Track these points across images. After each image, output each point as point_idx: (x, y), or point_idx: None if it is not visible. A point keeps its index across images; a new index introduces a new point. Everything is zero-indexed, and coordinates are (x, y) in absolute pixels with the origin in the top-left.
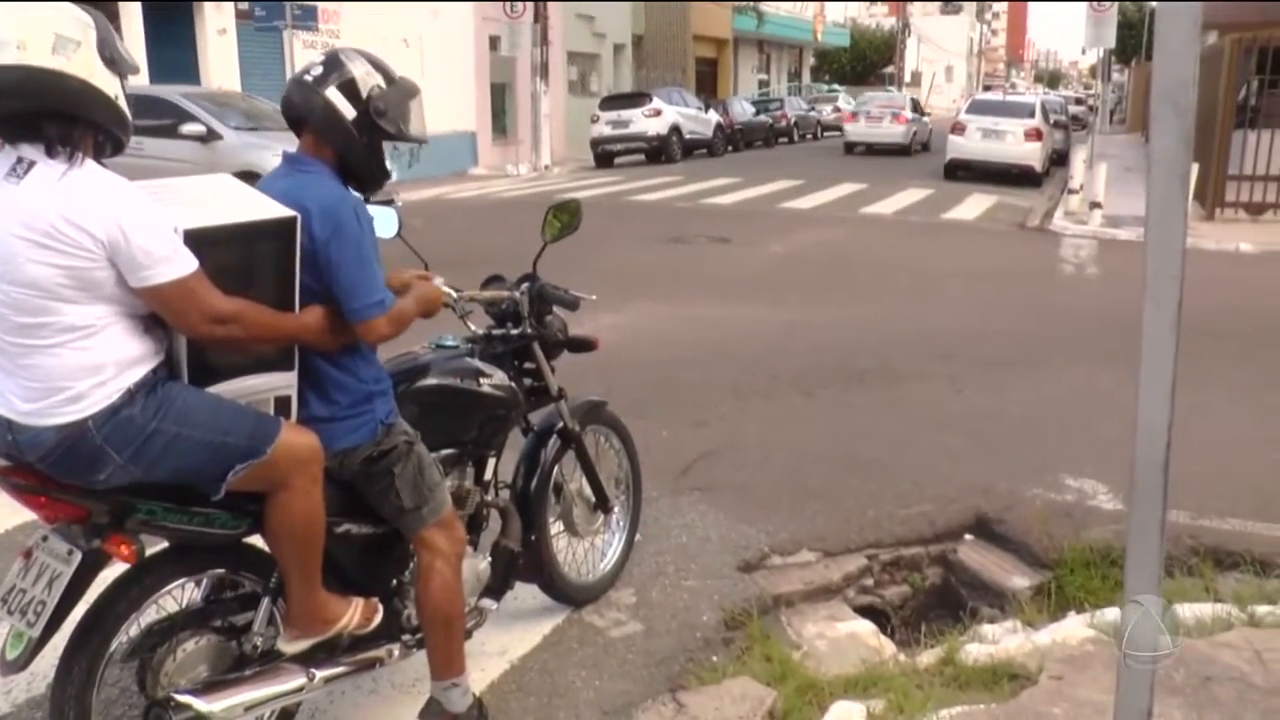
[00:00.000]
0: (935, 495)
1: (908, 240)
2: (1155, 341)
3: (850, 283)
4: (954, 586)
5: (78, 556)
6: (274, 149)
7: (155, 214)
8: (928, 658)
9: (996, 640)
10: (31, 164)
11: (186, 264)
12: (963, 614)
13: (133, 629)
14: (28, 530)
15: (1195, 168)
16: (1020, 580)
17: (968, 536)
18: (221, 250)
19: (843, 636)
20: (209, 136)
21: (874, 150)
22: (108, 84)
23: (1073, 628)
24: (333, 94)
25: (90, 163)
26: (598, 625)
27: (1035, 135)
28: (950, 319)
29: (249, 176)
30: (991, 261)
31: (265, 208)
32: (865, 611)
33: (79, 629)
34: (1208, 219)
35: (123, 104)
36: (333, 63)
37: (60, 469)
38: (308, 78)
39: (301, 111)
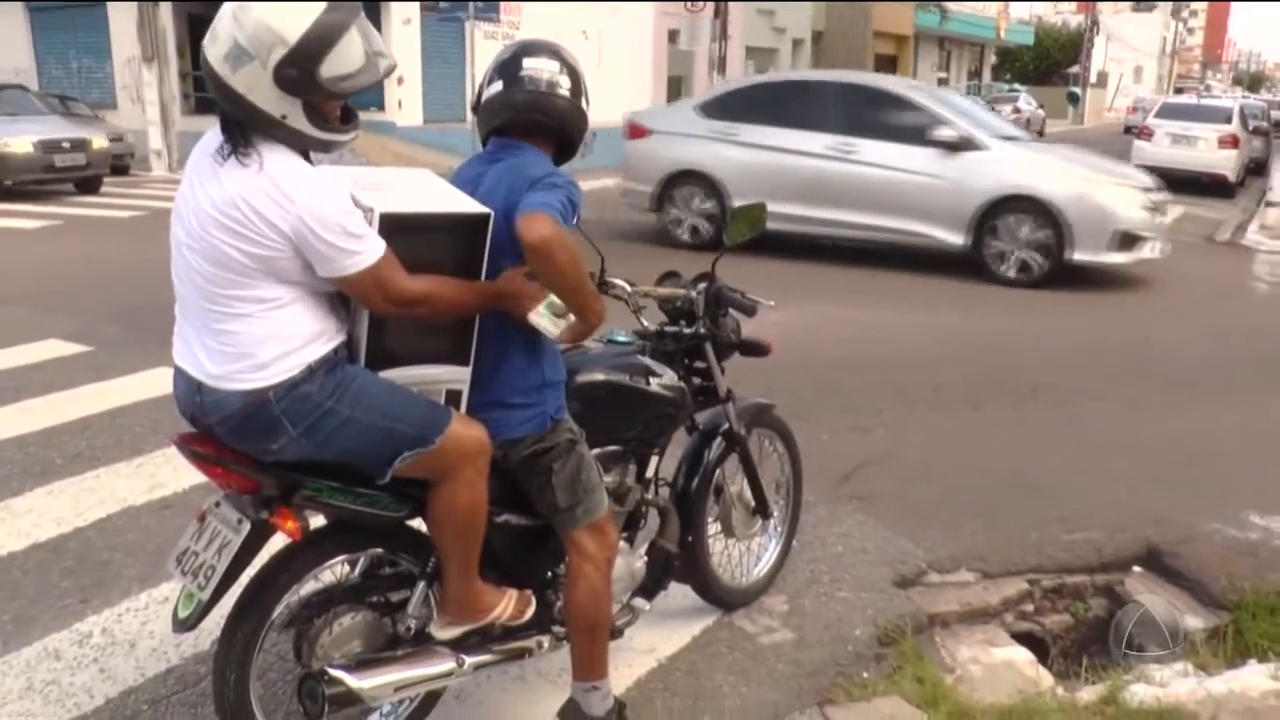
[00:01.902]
0: (1104, 522)
1: None
2: None
3: (1022, 292)
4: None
5: (246, 526)
6: (1055, 165)
7: (343, 207)
8: (1088, 694)
9: (1165, 683)
10: (235, 149)
11: (373, 253)
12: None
13: (293, 599)
14: (203, 491)
15: None
16: (1194, 620)
17: (1137, 569)
18: (413, 238)
19: (998, 663)
20: (961, 145)
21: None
22: (271, 102)
23: (1253, 678)
24: (583, 104)
25: (286, 156)
26: (748, 630)
27: (1230, 142)
28: (1130, 335)
29: (1023, 200)
30: (1177, 276)
31: (461, 203)
32: (1023, 639)
33: (243, 595)
34: None
35: (297, 124)
36: (576, 70)
37: (237, 436)
38: (563, 91)
39: (557, 124)
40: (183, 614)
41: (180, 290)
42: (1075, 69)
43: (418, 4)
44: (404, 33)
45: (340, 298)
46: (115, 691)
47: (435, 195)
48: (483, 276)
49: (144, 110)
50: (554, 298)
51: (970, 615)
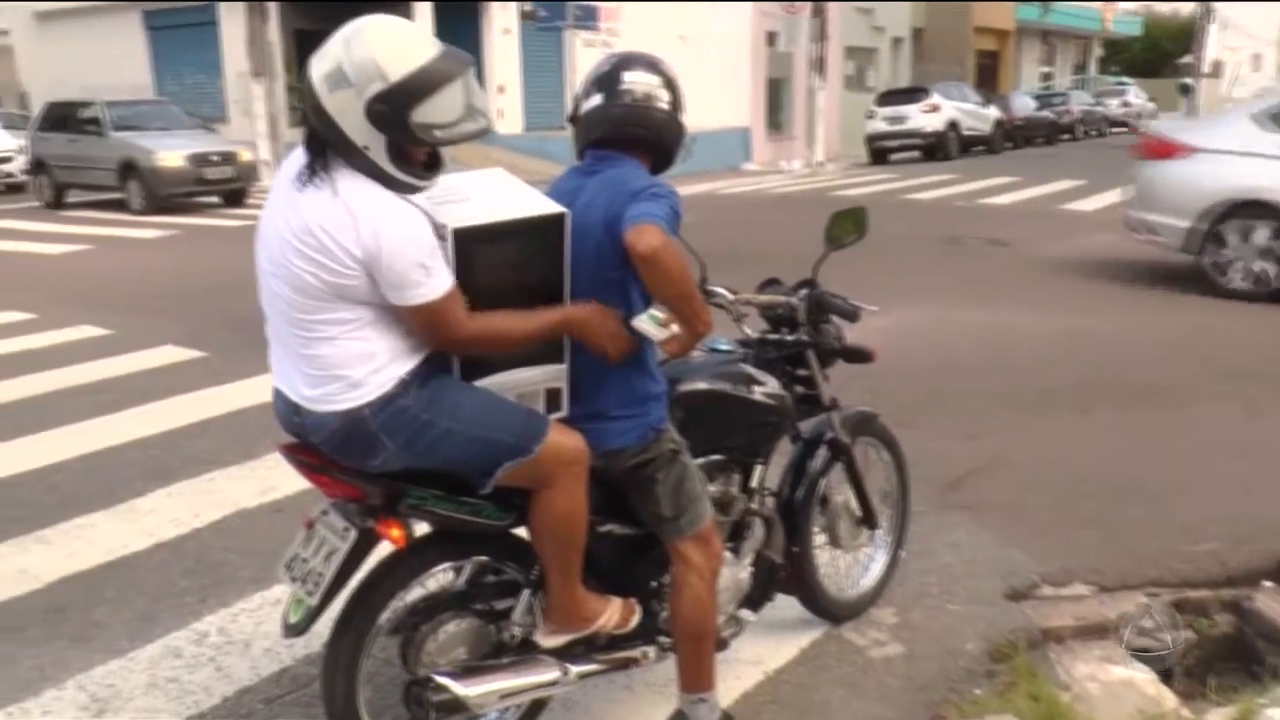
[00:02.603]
0: (1228, 533)
1: None
2: None
3: (1135, 292)
4: (1248, 638)
5: (353, 534)
6: None
7: (419, 237)
8: (1217, 716)
9: None
10: (315, 174)
11: (437, 288)
12: (1260, 670)
13: (399, 605)
14: (313, 496)
15: None
16: None
17: (1267, 583)
18: (491, 247)
19: (1117, 681)
20: None
21: None
22: (358, 131)
23: None
24: (681, 116)
25: (365, 182)
26: (857, 643)
27: None
28: (1248, 334)
29: None
30: None
31: (536, 204)
32: (1143, 656)
33: (351, 601)
34: None
35: (377, 158)
36: (674, 83)
37: (339, 452)
38: (661, 104)
39: (654, 135)
40: (293, 619)
41: (269, 316)
42: (1187, 59)
43: (517, 12)
44: (504, 42)
45: None
46: (232, 690)
47: (510, 200)
48: (566, 275)
49: (253, 123)
50: (655, 308)
51: (1086, 631)
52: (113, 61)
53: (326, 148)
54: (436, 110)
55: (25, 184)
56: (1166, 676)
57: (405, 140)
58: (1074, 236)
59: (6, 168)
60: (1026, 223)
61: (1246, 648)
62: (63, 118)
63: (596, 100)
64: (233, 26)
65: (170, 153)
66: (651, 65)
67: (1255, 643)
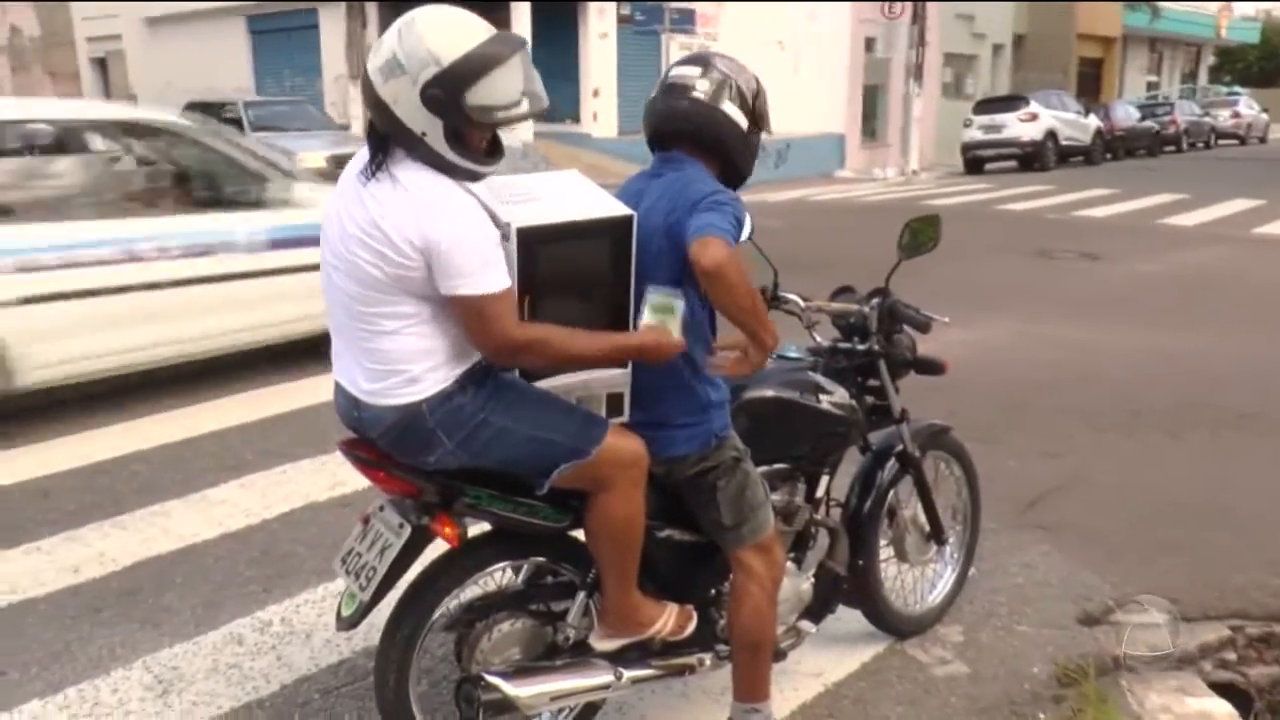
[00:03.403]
0: None
1: None
2: None
3: (1233, 311)
4: None
5: (407, 530)
6: None
7: (476, 229)
8: None
9: None
10: (378, 168)
11: (489, 283)
12: None
13: (454, 603)
14: (380, 492)
15: None
16: None
17: None
18: (555, 248)
19: (1193, 714)
20: None
21: None
22: (416, 120)
23: None
24: (729, 108)
25: (427, 173)
26: (920, 660)
27: None
28: None
29: None
30: None
31: (604, 206)
32: (1223, 690)
33: (405, 597)
34: None
35: (435, 144)
36: (718, 74)
37: (395, 447)
38: (699, 94)
39: (685, 125)
40: (345, 612)
41: (331, 309)
42: None
43: (614, 16)
44: (600, 46)
45: None
46: (290, 679)
47: (578, 201)
48: (632, 280)
49: (350, 125)
50: (651, 292)
51: (1163, 660)
52: (217, 64)
53: (387, 141)
54: (491, 92)
55: None
56: (1247, 713)
57: (461, 124)
58: (1171, 252)
59: None
60: (1121, 237)
61: None
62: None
63: (653, 95)
64: (332, 29)
65: (312, 154)
66: (702, 60)
67: None
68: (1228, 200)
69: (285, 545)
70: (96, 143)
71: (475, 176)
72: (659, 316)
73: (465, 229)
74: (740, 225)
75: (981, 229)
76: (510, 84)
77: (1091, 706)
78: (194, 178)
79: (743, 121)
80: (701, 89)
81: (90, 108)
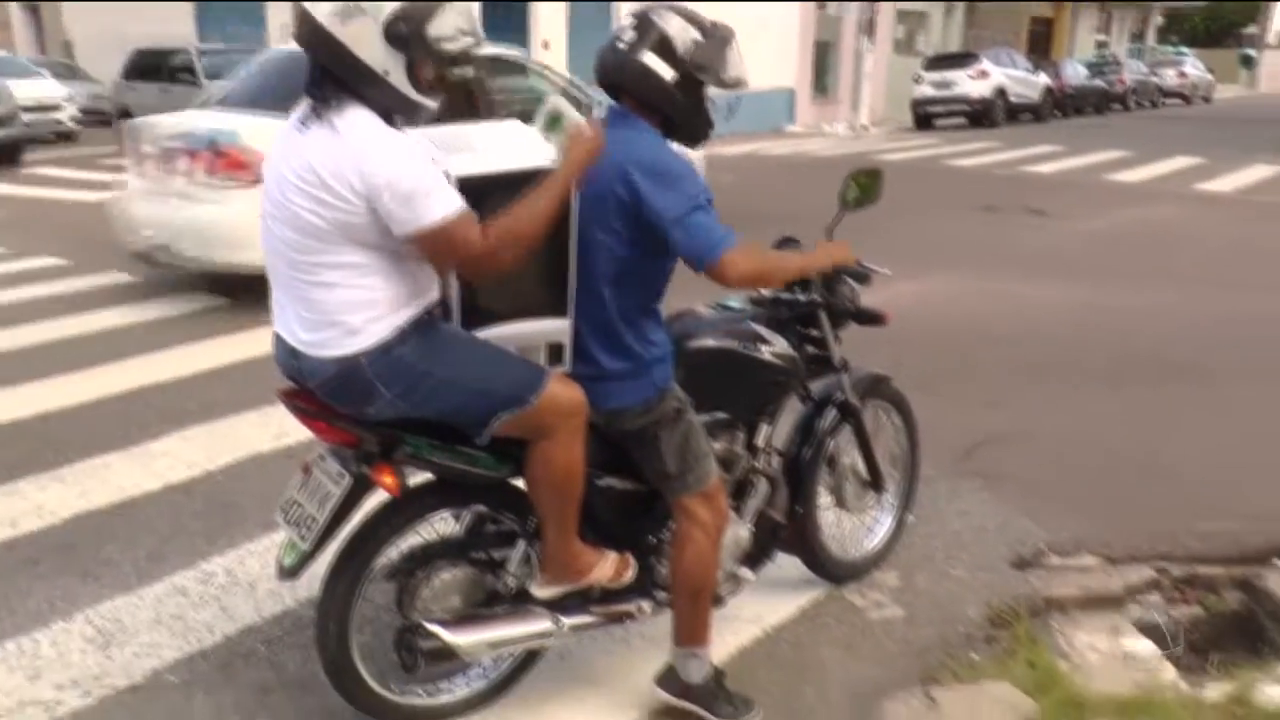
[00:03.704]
0: (1246, 512)
1: (1249, 222)
2: None
3: (1175, 266)
4: (1256, 617)
5: (347, 480)
6: None
7: (416, 162)
8: (1214, 692)
9: None
10: (319, 115)
11: (445, 206)
12: (1264, 649)
13: (394, 552)
14: (316, 444)
15: None
16: None
17: (1278, 562)
18: (493, 197)
19: (1118, 653)
20: None
21: None
22: (378, 59)
23: None
24: (649, 58)
25: (366, 116)
26: (857, 605)
27: None
28: None
29: None
30: None
31: (542, 155)
32: (1147, 630)
33: (345, 547)
34: None
35: (396, 82)
36: (645, 24)
37: (335, 398)
38: (620, 44)
39: (616, 78)
40: (287, 562)
41: (270, 260)
42: (1252, 29)
43: None
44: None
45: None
46: (234, 629)
47: (517, 150)
48: (573, 227)
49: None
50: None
51: (1091, 601)
52: (156, 10)
53: (330, 88)
54: (443, 26)
55: (76, 133)
56: (1170, 652)
57: (423, 55)
58: (1115, 207)
59: (56, 115)
60: (1067, 192)
61: (1253, 626)
62: (153, 66)
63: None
64: None
65: None
66: (641, 12)
67: (1262, 621)
68: (1171, 158)
69: (229, 496)
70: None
71: (424, 111)
72: (550, 130)
73: (405, 164)
74: (702, 187)
75: (930, 184)
76: (460, 19)
77: (1023, 647)
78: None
79: (666, 73)
80: (626, 39)
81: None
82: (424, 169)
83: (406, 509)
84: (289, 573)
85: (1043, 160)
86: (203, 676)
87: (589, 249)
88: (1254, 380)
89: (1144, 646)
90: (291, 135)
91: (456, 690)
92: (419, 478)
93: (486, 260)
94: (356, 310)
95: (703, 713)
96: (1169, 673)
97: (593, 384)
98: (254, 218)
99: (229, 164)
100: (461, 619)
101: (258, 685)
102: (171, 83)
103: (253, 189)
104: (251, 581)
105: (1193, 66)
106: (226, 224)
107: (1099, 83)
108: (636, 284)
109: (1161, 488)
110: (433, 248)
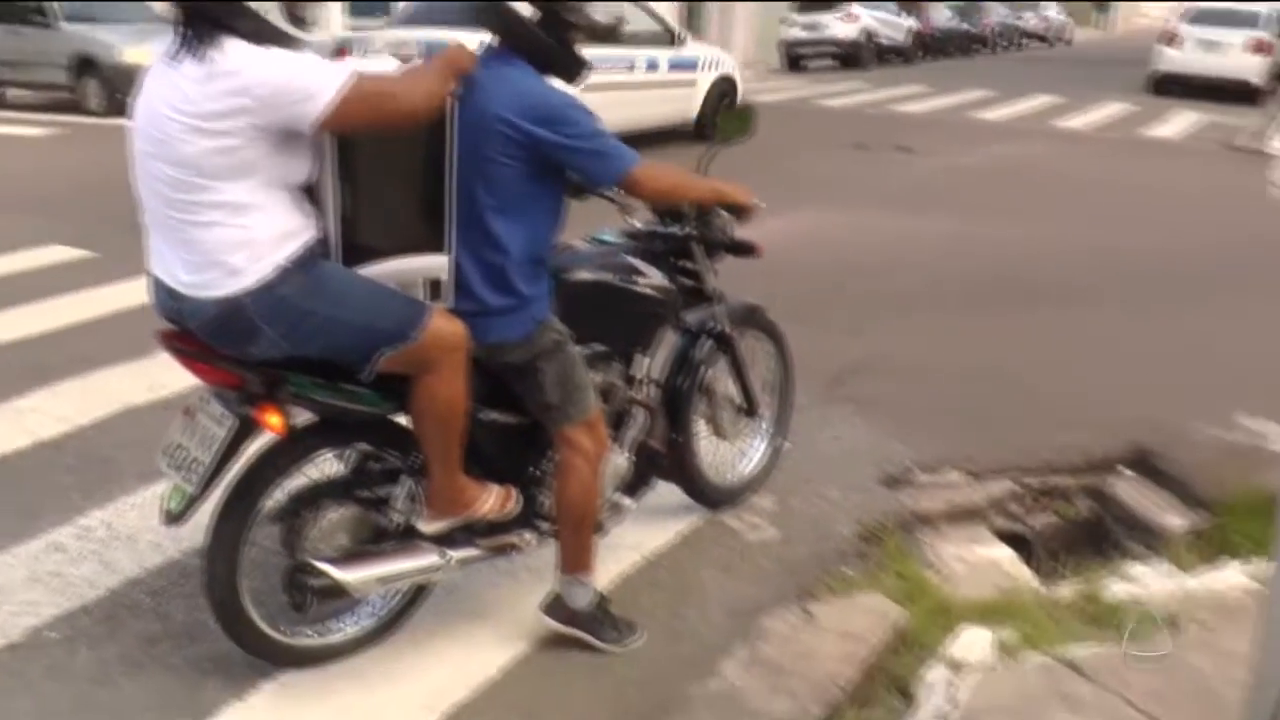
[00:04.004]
0: (1095, 424)
1: (1102, 157)
2: None
3: (1035, 199)
4: (1105, 521)
5: (232, 422)
6: None
7: (289, 60)
8: (1067, 591)
9: (1144, 581)
10: (189, 49)
11: (337, 77)
12: (1111, 550)
13: (280, 493)
14: (193, 394)
15: None
16: (1177, 520)
17: (1125, 470)
18: (376, 136)
19: (981, 561)
20: None
21: (1199, 91)
22: None
23: (1229, 576)
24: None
25: (236, 41)
26: (735, 528)
27: (1259, 48)
28: (1138, 241)
29: None
30: (1193, 183)
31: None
32: (1008, 538)
33: (230, 490)
34: None
35: (275, 19)
36: None
37: (217, 339)
38: None
39: (485, 18)
40: (171, 507)
41: (146, 201)
42: None
43: None
44: None
45: (307, 193)
46: (116, 582)
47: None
48: (451, 157)
49: None
50: None
51: (956, 514)
52: None
53: (201, 23)
54: None
55: None
56: (1029, 557)
57: None
58: (979, 144)
59: None
60: (934, 130)
61: (1102, 529)
62: (4, 11)
63: None
64: None
65: (138, 48)
66: None
67: (1109, 525)
68: (1033, 96)
69: (104, 450)
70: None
71: (294, 43)
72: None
73: (278, 66)
74: (594, 115)
75: (801, 124)
76: None
77: (893, 560)
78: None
79: (525, 9)
80: None
81: None
82: (298, 60)
83: (292, 450)
84: (175, 517)
85: (910, 100)
86: (85, 631)
87: (474, 185)
88: (1105, 303)
89: (1004, 553)
90: (163, 71)
91: (346, 629)
92: (303, 418)
93: (423, 100)
94: (237, 250)
95: (588, 638)
96: (1027, 576)
97: (474, 319)
98: None
99: None
100: (350, 556)
101: (144, 637)
102: (24, 26)
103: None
104: (131, 534)
105: (1054, 11)
106: None
107: (964, 25)
108: (523, 220)
109: (1020, 405)
110: (360, 114)
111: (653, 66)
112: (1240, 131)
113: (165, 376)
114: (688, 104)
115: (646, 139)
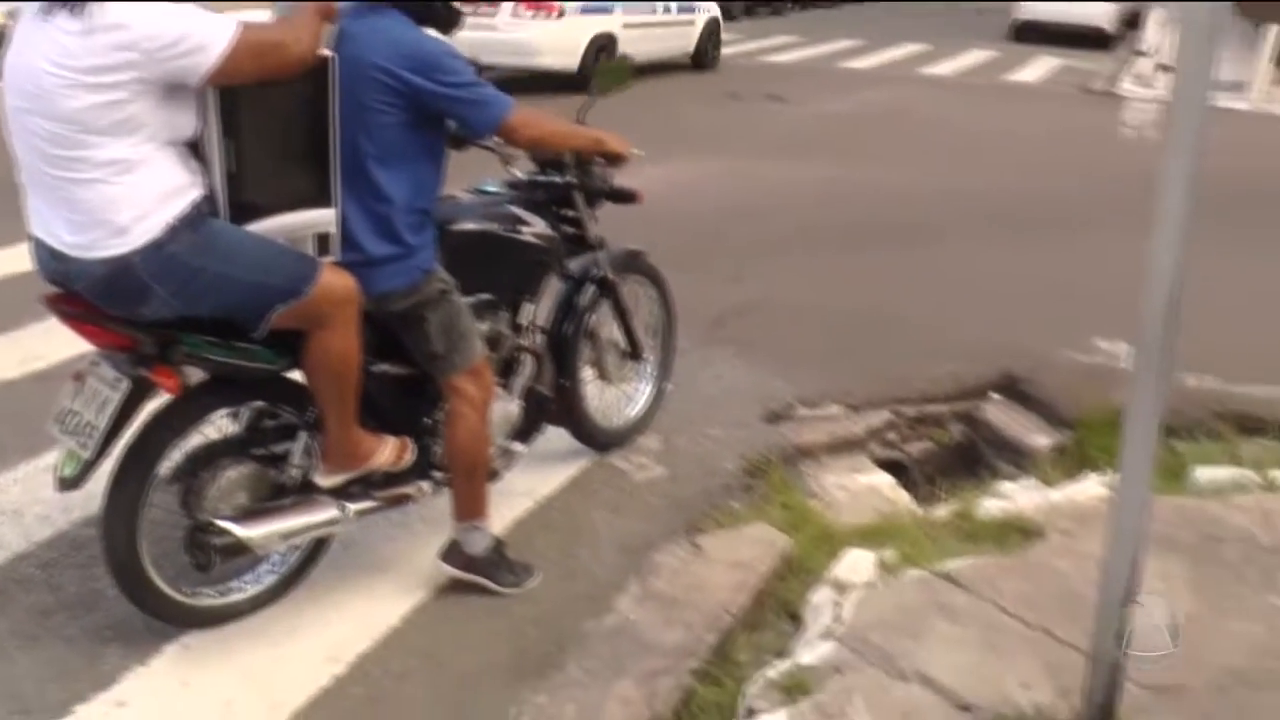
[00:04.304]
0: (965, 354)
1: (966, 102)
2: (1171, 190)
3: (903, 143)
4: (977, 444)
5: (125, 384)
6: None
7: (181, 14)
8: (943, 511)
9: (1013, 497)
10: (65, 7)
11: (226, 29)
12: (984, 471)
13: (177, 454)
14: (81, 361)
15: (1276, 30)
16: (1042, 440)
17: (994, 395)
18: (254, 91)
19: (862, 488)
20: None
21: (1057, 37)
22: None
23: (1088, 487)
24: None
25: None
26: (622, 469)
27: None
28: (1000, 181)
29: None
30: (1050, 125)
31: None
32: (888, 466)
33: (126, 453)
34: None
35: None
36: None
37: (106, 300)
38: None
39: None
40: (67, 473)
41: (25, 160)
42: None
43: None
44: None
45: (190, 151)
46: (4, 558)
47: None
48: (333, 114)
49: None
50: None
51: (836, 446)
52: None
53: None
54: None
55: None
56: (906, 481)
57: None
58: (849, 92)
59: None
60: (805, 79)
61: (974, 452)
62: None
63: None
64: None
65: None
66: None
67: (981, 448)
68: (900, 45)
69: None
70: None
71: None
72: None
73: (167, 18)
74: (468, 64)
75: (673, 76)
76: None
77: (777, 491)
78: None
79: None
80: None
81: None
82: (190, 13)
83: (186, 410)
84: (70, 483)
85: (781, 50)
86: None
87: (355, 134)
88: (972, 241)
89: (884, 479)
90: (36, 26)
91: (247, 588)
92: (196, 377)
93: (309, 48)
94: (122, 208)
95: (486, 582)
96: (905, 500)
97: (361, 270)
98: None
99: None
100: (250, 513)
101: (37, 609)
102: None
103: (550, 20)
104: (17, 509)
105: None
106: (537, 42)
107: None
108: (405, 169)
109: (896, 340)
110: (247, 66)
111: (667, 9)
112: (1095, 75)
113: (41, 348)
114: (688, 40)
115: (530, 88)
